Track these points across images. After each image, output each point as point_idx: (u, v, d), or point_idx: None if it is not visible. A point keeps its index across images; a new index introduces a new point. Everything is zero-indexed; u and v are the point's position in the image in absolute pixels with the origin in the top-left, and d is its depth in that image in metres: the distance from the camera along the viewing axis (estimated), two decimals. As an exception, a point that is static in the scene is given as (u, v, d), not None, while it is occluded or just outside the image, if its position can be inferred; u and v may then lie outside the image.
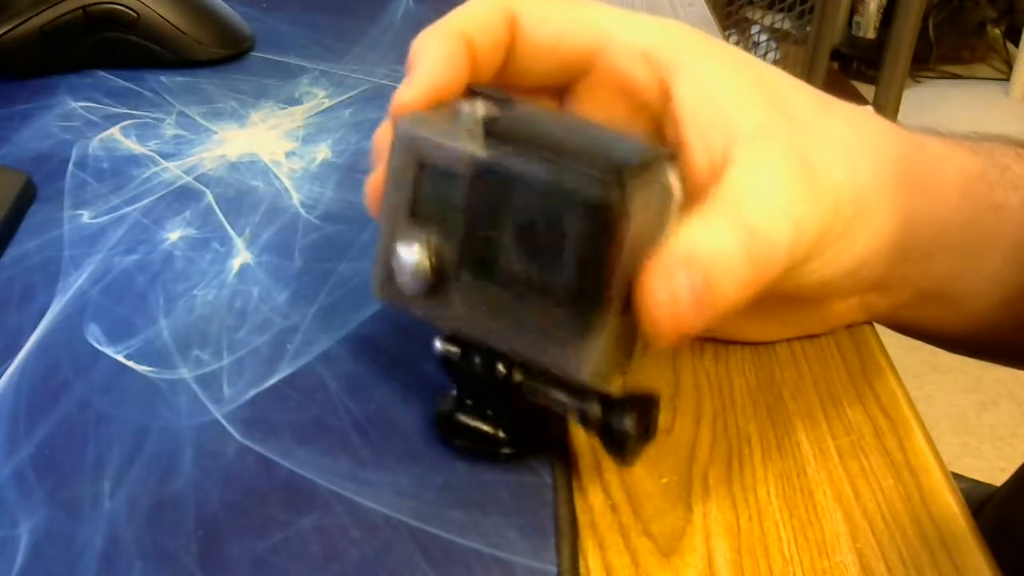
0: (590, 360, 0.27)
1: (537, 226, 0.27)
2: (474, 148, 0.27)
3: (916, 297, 0.36)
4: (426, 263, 0.28)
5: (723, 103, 0.30)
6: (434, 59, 0.30)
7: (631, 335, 0.28)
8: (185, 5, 0.57)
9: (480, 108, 0.29)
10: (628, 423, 0.28)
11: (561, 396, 0.29)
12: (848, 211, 0.31)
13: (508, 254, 0.27)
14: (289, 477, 0.31)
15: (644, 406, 0.29)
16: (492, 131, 0.27)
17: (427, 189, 0.28)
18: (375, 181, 0.30)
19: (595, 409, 0.29)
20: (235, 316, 0.38)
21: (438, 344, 0.30)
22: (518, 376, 0.29)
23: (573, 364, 0.27)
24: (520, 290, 0.27)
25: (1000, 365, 0.46)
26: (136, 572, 0.28)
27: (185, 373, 0.35)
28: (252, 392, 0.34)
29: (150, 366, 0.35)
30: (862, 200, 0.31)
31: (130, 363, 0.36)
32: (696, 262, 0.27)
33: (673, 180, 0.28)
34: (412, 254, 0.28)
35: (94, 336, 0.37)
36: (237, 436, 0.33)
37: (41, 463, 0.32)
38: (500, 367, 0.29)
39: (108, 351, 0.36)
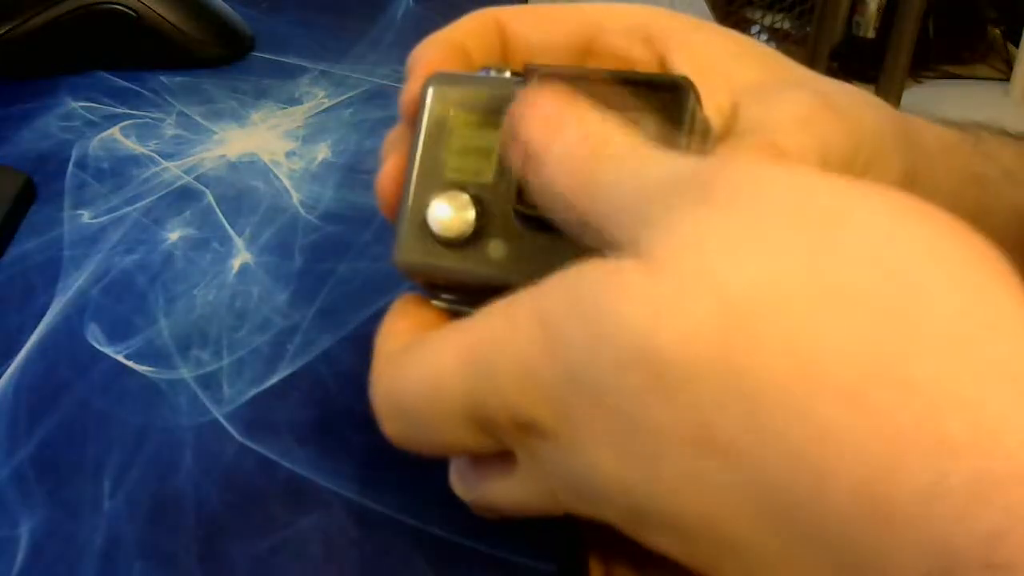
0: None
1: None
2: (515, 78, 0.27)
3: None
4: (469, 206, 0.27)
5: (723, 64, 0.31)
6: (432, 63, 0.31)
7: None
8: (185, 5, 0.57)
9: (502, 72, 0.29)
10: None
11: None
12: (868, 148, 0.31)
13: None
14: (289, 477, 0.31)
15: None
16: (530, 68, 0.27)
17: (458, 139, 0.28)
18: (389, 173, 0.30)
19: None
20: (235, 316, 0.38)
21: None
22: None
23: None
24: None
25: None
26: (136, 572, 0.28)
27: (185, 373, 0.35)
28: (252, 392, 0.34)
29: (150, 366, 0.35)
30: (877, 139, 0.31)
31: (130, 363, 0.36)
32: None
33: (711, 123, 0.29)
34: (453, 199, 0.27)
35: (94, 336, 0.37)
36: (237, 436, 0.33)
37: (41, 463, 0.32)
38: None
39: (108, 351, 0.36)
